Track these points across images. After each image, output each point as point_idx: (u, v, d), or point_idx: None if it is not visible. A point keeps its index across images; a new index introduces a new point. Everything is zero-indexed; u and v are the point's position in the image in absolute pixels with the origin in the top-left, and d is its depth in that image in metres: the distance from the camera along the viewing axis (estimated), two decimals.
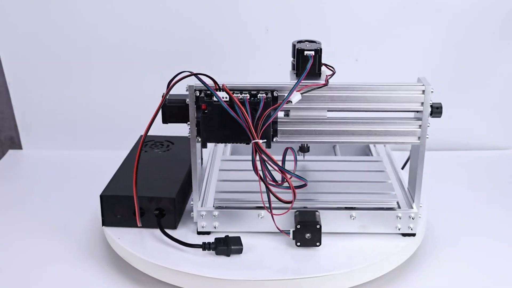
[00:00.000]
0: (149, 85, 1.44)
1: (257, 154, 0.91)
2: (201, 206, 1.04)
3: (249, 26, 1.48)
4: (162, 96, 0.95)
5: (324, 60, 1.52)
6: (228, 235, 0.99)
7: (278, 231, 0.98)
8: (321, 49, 0.99)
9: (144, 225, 1.03)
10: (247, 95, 0.94)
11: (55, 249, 1.11)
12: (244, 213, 1.02)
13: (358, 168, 1.13)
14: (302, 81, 0.95)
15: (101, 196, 1.04)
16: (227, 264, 0.96)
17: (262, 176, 0.92)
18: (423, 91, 0.97)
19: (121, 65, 1.50)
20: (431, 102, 0.98)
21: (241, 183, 1.08)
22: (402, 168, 1.41)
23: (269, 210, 0.94)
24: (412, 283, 1.01)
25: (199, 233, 1.03)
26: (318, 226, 0.97)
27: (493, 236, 1.14)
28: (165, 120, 0.98)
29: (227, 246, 0.97)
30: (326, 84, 0.97)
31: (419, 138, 0.99)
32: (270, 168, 0.92)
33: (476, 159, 1.50)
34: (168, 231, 1.02)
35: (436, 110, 1.00)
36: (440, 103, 0.99)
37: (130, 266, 1.01)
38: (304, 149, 1.10)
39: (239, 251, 0.97)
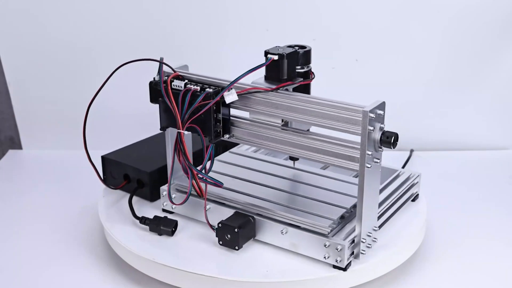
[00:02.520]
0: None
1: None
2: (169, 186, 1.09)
3: (250, 26, 1.48)
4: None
5: (324, 59, 1.53)
6: (166, 216, 1.04)
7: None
8: (288, 55, 0.94)
9: (127, 191, 1.15)
10: (197, 87, 0.95)
11: (55, 248, 1.11)
12: (195, 201, 1.04)
13: (331, 187, 1.06)
14: (252, 84, 0.95)
15: (102, 157, 1.18)
16: (146, 240, 1.02)
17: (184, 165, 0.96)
18: (362, 114, 0.85)
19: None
20: (383, 129, 0.87)
21: (222, 176, 1.11)
22: (402, 167, 1.41)
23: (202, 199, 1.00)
24: (412, 283, 1.01)
25: (163, 210, 1.09)
26: (235, 230, 0.95)
27: (493, 235, 1.14)
28: (151, 100, 1.03)
29: (157, 225, 1.02)
30: (272, 90, 0.94)
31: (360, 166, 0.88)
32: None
33: (476, 159, 1.50)
34: (144, 202, 1.13)
35: (386, 140, 0.86)
36: (395, 134, 0.86)
37: (130, 266, 1.01)
38: (293, 157, 1.09)
39: (169, 233, 1.02)
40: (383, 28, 1.47)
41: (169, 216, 1.06)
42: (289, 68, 0.95)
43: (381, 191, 1.05)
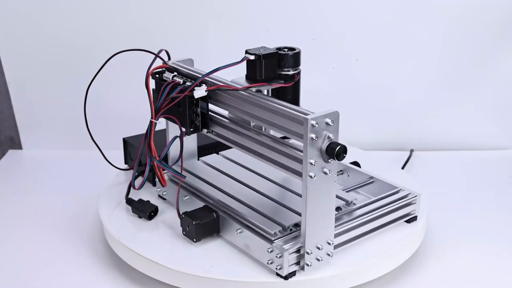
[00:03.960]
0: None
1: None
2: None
3: (250, 26, 1.48)
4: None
5: (324, 59, 1.53)
6: (149, 201, 1.09)
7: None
8: (265, 56, 0.93)
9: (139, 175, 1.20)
10: (180, 80, 0.97)
11: (55, 248, 1.11)
12: (174, 190, 1.08)
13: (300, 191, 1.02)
14: (227, 81, 0.97)
15: (123, 139, 1.26)
16: (123, 219, 1.08)
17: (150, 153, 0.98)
18: (303, 121, 0.82)
19: (121, 65, 1.50)
20: (331, 140, 0.84)
21: (213, 170, 1.14)
22: (402, 167, 1.41)
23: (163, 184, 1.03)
24: (412, 283, 1.01)
25: (158, 196, 1.13)
26: (193, 223, 0.97)
27: (493, 236, 1.14)
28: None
29: (137, 208, 1.07)
30: (239, 89, 0.94)
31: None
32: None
33: (476, 159, 1.50)
34: (148, 185, 1.19)
35: (330, 151, 0.83)
36: (342, 146, 0.83)
37: (130, 266, 1.01)
38: None
39: (147, 217, 1.06)
40: (383, 28, 1.47)
41: (162, 202, 1.11)
42: (266, 69, 0.94)
43: (367, 205, 1.02)
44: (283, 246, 0.90)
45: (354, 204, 1.02)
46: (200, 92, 0.94)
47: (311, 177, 0.84)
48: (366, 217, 0.99)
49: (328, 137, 0.83)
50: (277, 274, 0.91)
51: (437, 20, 1.45)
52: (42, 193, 1.33)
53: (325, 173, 0.85)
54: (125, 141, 1.26)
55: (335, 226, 0.94)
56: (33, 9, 1.46)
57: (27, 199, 1.31)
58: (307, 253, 0.89)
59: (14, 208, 1.27)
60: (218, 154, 1.23)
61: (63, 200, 1.29)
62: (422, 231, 1.05)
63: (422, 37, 1.47)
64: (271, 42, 1.52)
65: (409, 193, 1.06)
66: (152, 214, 1.07)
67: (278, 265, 0.89)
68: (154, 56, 0.99)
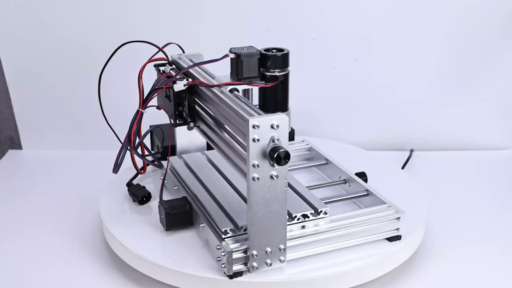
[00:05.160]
0: (150, 85, 1.44)
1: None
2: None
3: (250, 26, 1.48)
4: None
5: (324, 59, 1.53)
6: (145, 187, 1.13)
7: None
8: (244, 55, 0.94)
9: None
10: (174, 73, 1.00)
11: (55, 249, 1.11)
12: (171, 179, 1.13)
13: (290, 198, 1.00)
14: (210, 78, 0.99)
15: (150, 126, 1.26)
16: (118, 201, 1.13)
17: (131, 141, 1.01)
18: (246, 122, 0.81)
19: (122, 65, 1.50)
20: (276, 144, 0.82)
21: (207, 164, 1.16)
22: (402, 167, 1.41)
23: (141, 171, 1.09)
24: (412, 283, 1.01)
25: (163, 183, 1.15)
26: (164, 212, 1.00)
27: (493, 236, 1.14)
28: None
29: (131, 192, 1.13)
30: (212, 86, 0.95)
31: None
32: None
33: (476, 159, 1.50)
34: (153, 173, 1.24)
35: (271, 155, 0.81)
36: (284, 152, 0.81)
37: (130, 266, 1.01)
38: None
39: (138, 201, 1.11)
40: (383, 28, 1.47)
41: (164, 189, 1.13)
42: (245, 69, 0.95)
43: (342, 218, 0.98)
44: (230, 245, 0.90)
45: (326, 213, 0.98)
46: (179, 86, 0.97)
47: (254, 179, 0.83)
48: (332, 228, 0.96)
49: (273, 141, 0.82)
50: (224, 273, 0.91)
51: (437, 20, 1.45)
52: (42, 193, 1.33)
53: (272, 177, 0.84)
54: (150, 131, 1.29)
55: (297, 234, 0.94)
56: (33, 9, 1.46)
57: (27, 199, 1.31)
58: (253, 255, 0.89)
59: (14, 208, 1.27)
60: None
61: (63, 200, 1.29)
62: (422, 231, 1.05)
63: (422, 37, 1.47)
64: (271, 42, 1.52)
65: (395, 210, 1.00)
66: (144, 199, 1.11)
67: (223, 264, 0.90)
68: (162, 50, 1.04)
